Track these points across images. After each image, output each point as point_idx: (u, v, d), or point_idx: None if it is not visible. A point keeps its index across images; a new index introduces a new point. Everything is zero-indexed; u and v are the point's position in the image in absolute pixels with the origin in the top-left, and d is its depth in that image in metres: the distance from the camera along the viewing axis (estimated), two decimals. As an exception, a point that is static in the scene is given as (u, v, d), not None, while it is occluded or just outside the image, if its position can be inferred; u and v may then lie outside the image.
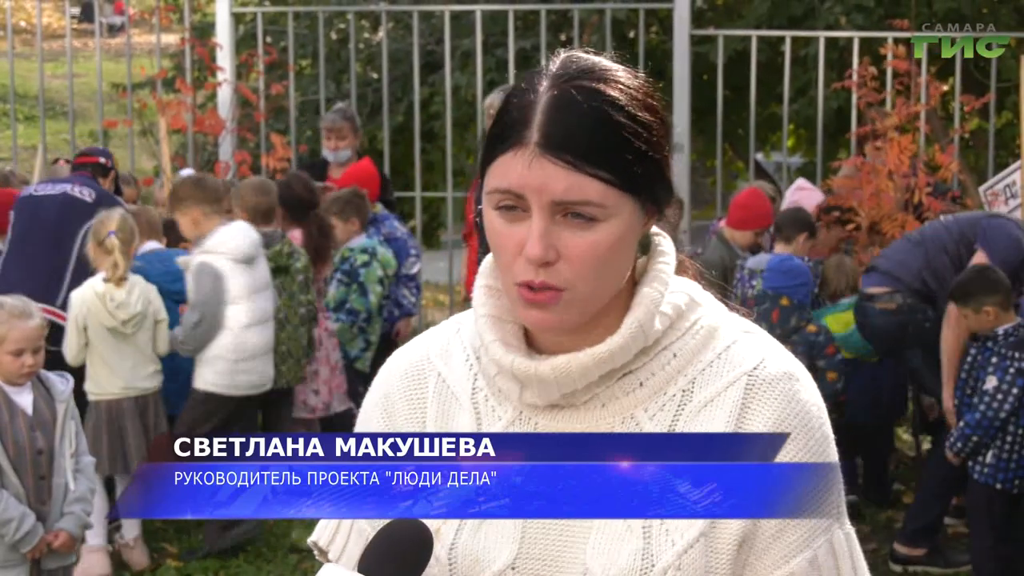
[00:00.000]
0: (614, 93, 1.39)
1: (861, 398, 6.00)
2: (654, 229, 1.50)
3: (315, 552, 1.62)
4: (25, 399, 4.17)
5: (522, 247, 1.38)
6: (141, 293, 5.39)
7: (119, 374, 5.37)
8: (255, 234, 5.65)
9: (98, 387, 5.36)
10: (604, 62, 1.43)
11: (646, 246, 1.49)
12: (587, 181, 1.36)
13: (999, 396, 4.97)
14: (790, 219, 6.11)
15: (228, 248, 5.50)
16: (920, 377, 5.80)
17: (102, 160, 6.20)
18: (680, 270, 1.53)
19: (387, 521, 1.42)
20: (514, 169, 1.37)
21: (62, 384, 4.28)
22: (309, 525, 1.65)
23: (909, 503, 5.98)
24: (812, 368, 5.42)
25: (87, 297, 5.34)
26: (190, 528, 5.85)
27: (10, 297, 4.36)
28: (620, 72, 1.42)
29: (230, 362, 5.55)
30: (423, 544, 1.36)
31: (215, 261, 5.48)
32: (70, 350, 5.32)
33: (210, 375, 5.57)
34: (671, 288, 1.49)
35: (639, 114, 1.40)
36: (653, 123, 1.41)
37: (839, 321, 5.98)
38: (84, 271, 5.52)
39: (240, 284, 5.54)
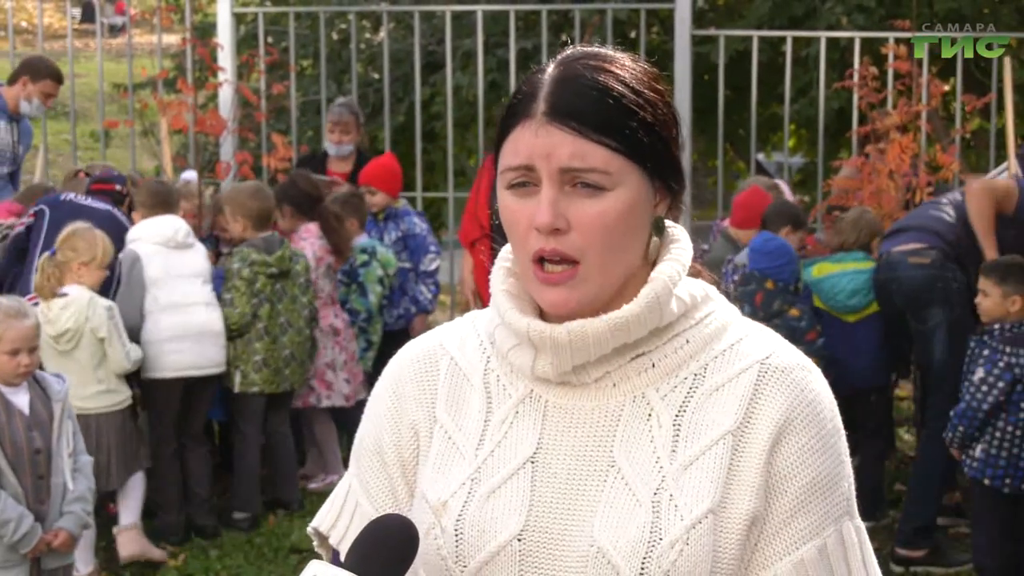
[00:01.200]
0: (618, 70, 1.45)
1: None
2: (669, 223, 1.53)
3: (314, 541, 1.63)
4: (22, 399, 4.17)
5: (534, 220, 1.42)
6: (77, 310, 5.30)
7: None
8: (184, 225, 5.90)
9: None
10: (610, 51, 1.49)
11: (659, 229, 1.51)
12: (592, 147, 1.41)
13: (983, 388, 5.00)
14: (775, 211, 6.12)
15: (149, 233, 5.81)
16: (932, 340, 5.58)
17: (118, 187, 6.23)
18: (695, 277, 1.56)
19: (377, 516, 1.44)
20: (523, 140, 1.43)
21: (58, 384, 4.28)
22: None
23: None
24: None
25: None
26: (190, 529, 5.85)
27: (5, 297, 4.36)
28: (625, 57, 1.49)
29: (155, 344, 5.70)
30: (409, 539, 1.37)
31: (137, 247, 5.78)
32: None
33: (146, 363, 5.68)
34: (688, 279, 1.52)
35: (643, 90, 1.45)
36: (657, 101, 1.46)
37: (823, 270, 5.89)
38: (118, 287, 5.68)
39: (160, 266, 5.74)
